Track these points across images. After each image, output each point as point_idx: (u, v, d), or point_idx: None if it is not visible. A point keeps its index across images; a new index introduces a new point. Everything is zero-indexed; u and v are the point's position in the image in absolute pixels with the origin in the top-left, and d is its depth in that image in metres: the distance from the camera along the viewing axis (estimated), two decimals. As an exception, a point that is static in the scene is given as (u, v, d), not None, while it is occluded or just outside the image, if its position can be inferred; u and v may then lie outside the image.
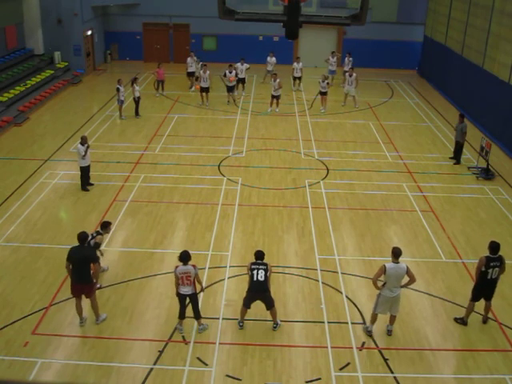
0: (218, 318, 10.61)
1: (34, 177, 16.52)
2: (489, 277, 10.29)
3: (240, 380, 9.25)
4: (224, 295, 11.29)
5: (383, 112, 24.04)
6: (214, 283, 11.68)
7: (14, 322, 10.36)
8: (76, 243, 10.22)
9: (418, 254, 13.04)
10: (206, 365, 9.52)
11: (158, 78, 24.97)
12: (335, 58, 27.38)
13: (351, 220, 14.52)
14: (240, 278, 11.71)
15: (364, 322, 10.58)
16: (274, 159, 18.39)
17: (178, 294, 10.02)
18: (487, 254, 10.33)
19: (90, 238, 10.83)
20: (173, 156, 18.32)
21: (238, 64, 24.78)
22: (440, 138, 21.03)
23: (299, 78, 26.37)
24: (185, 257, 9.87)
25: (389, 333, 10.33)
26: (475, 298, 10.58)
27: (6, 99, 22.00)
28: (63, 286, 11.28)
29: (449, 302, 11.36)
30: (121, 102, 21.66)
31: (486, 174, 17.27)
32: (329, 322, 10.61)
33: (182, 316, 10.18)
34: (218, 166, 17.61)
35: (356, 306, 11.13)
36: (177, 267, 9.88)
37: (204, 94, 23.63)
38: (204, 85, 23.44)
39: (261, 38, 31.54)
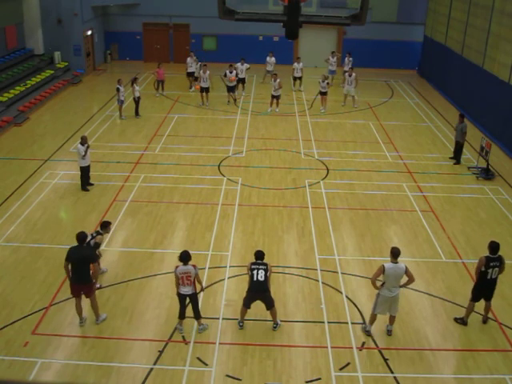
0: (218, 318, 10.61)
1: (34, 177, 16.52)
2: (488, 277, 10.30)
3: (240, 380, 9.25)
4: (224, 295, 11.29)
5: (383, 112, 24.04)
6: (214, 283, 11.68)
7: (14, 322, 10.36)
8: (75, 243, 10.22)
9: (418, 254, 13.04)
10: (206, 365, 9.52)
11: (157, 78, 24.97)
12: (335, 58, 27.39)
13: (351, 220, 14.52)
14: (240, 277, 11.71)
15: (364, 322, 10.58)
16: (274, 159, 18.39)
17: (178, 294, 10.02)
18: (487, 254, 10.34)
19: (90, 238, 10.84)
20: (173, 156, 18.32)
21: (238, 64, 24.79)
22: (440, 138, 21.03)
23: (300, 79, 26.36)
24: (185, 257, 9.87)
25: (389, 333, 10.33)
26: (475, 298, 10.59)
27: (5, 99, 22.01)
28: (63, 286, 11.27)
29: (449, 301, 11.36)
30: (121, 102, 21.66)
31: (486, 173, 17.27)
32: (329, 322, 10.61)
33: (182, 316, 10.18)
34: (218, 166, 17.61)
35: (356, 305, 11.14)
36: (177, 267, 9.88)
37: (204, 94, 23.62)
38: (204, 85, 23.43)
39: (261, 38, 31.54)
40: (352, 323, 10.62)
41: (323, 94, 23.35)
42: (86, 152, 15.38)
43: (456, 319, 10.77)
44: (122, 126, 21.36)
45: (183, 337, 10.12)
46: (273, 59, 27.23)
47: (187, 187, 16.06)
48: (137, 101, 21.99)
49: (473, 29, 23.98)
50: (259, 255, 10.25)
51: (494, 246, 10.31)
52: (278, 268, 12.07)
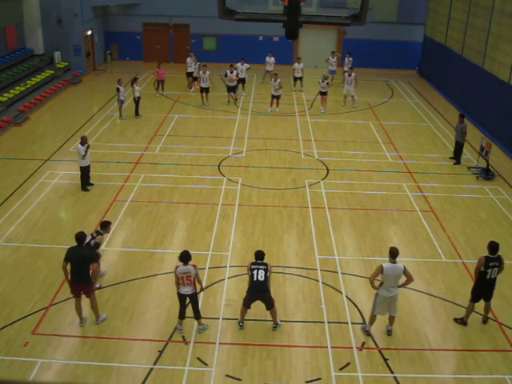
0: (218, 318, 10.62)
1: (34, 177, 16.52)
2: (488, 277, 10.30)
3: (240, 380, 9.25)
4: (224, 295, 11.29)
5: (383, 112, 24.04)
6: (214, 283, 11.68)
7: (14, 321, 10.37)
8: (75, 243, 10.21)
9: (418, 254, 13.04)
10: (206, 365, 9.52)
11: (158, 78, 24.98)
12: (335, 58, 27.40)
13: (351, 220, 14.52)
14: (240, 277, 11.71)
15: (364, 322, 10.57)
16: (274, 159, 18.39)
17: (178, 294, 10.02)
18: (486, 254, 10.34)
19: (90, 238, 10.83)
20: (173, 156, 18.32)
21: (239, 64, 24.80)
22: (440, 138, 21.03)
23: (300, 79, 26.36)
24: (185, 257, 9.87)
25: (389, 333, 10.33)
26: (475, 298, 10.58)
27: (5, 99, 22.01)
28: (63, 286, 11.26)
29: (449, 301, 11.36)
30: (121, 102, 21.67)
31: (486, 173, 17.27)
32: (329, 322, 10.61)
33: (182, 316, 10.18)
34: (218, 166, 17.61)
35: (356, 305, 11.13)
36: (177, 267, 9.88)
37: (204, 94, 23.63)
38: (204, 85, 23.44)
39: (261, 38, 31.54)
40: (352, 323, 10.62)
41: (323, 94, 23.35)
42: (86, 152, 15.39)
43: (456, 319, 10.77)
44: (122, 126, 21.36)
45: (183, 337, 10.12)
46: (272, 59, 27.24)
47: (187, 187, 16.06)
48: (137, 101, 21.99)
49: (473, 29, 23.98)
50: (259, 255, 10.25)
51: (493, 246, 10.31)
52: (278, 268, 12.07)
